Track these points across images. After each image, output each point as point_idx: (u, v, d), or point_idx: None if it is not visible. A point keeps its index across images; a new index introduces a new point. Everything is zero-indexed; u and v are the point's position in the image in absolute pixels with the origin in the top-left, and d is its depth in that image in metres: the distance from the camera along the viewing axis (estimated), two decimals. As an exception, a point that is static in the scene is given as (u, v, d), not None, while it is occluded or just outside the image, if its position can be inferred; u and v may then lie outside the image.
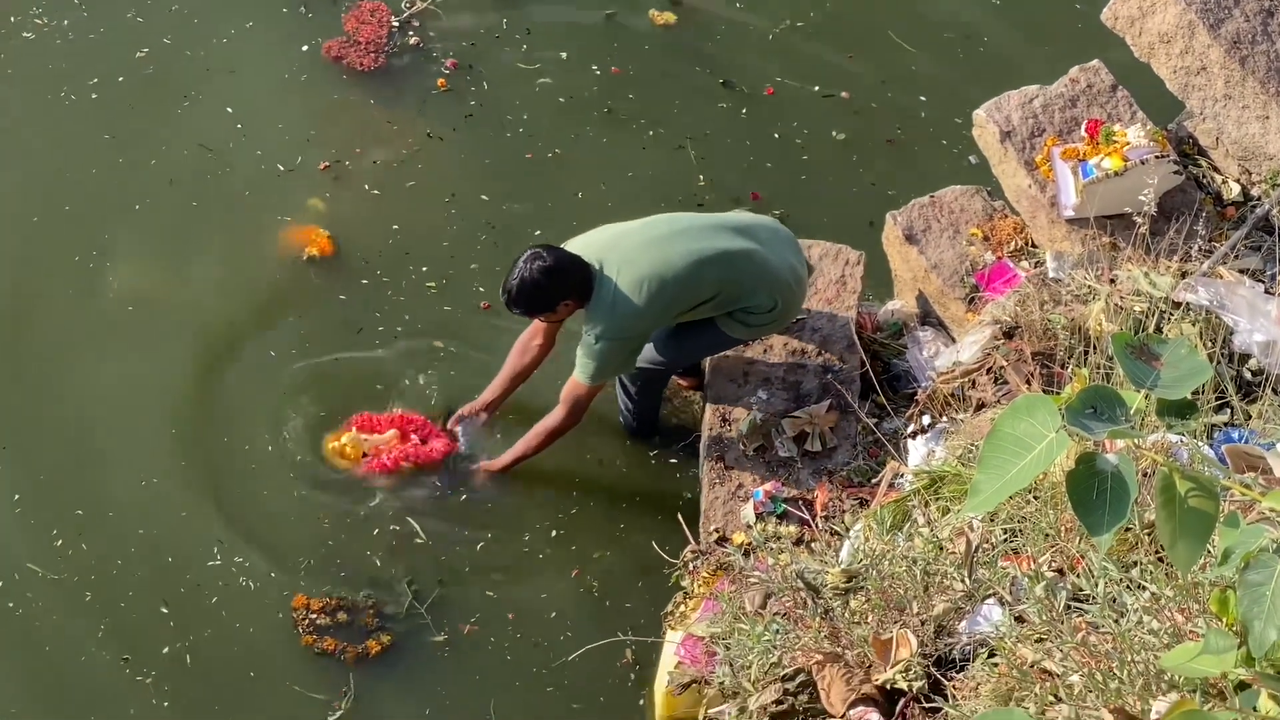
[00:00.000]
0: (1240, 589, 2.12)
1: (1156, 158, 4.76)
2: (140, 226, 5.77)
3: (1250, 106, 4.80)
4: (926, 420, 4.69)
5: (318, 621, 4.81)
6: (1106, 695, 2.75)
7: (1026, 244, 5.13)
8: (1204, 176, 5.09)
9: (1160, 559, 3.14)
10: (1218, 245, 4.77)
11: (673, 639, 4.44)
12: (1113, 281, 4.61)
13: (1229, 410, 4.08)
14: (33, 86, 6.15)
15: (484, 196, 5.95)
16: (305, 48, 6.35)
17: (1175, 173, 4.88)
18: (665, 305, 4.66)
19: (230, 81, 6.23)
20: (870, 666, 3.48)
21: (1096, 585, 3.02)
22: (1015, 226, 5.17)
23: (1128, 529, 3.26)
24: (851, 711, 3.44)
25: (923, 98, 6.44)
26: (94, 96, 6.13)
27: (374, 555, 5.01)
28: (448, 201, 5.93)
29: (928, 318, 5.31)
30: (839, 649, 3.56)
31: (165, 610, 4.87)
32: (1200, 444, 3.68)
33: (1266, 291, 4.54)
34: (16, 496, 5.07)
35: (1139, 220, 4.54)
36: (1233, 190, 5.01)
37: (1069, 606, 3.12)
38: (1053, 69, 5.26)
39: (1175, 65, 4.91)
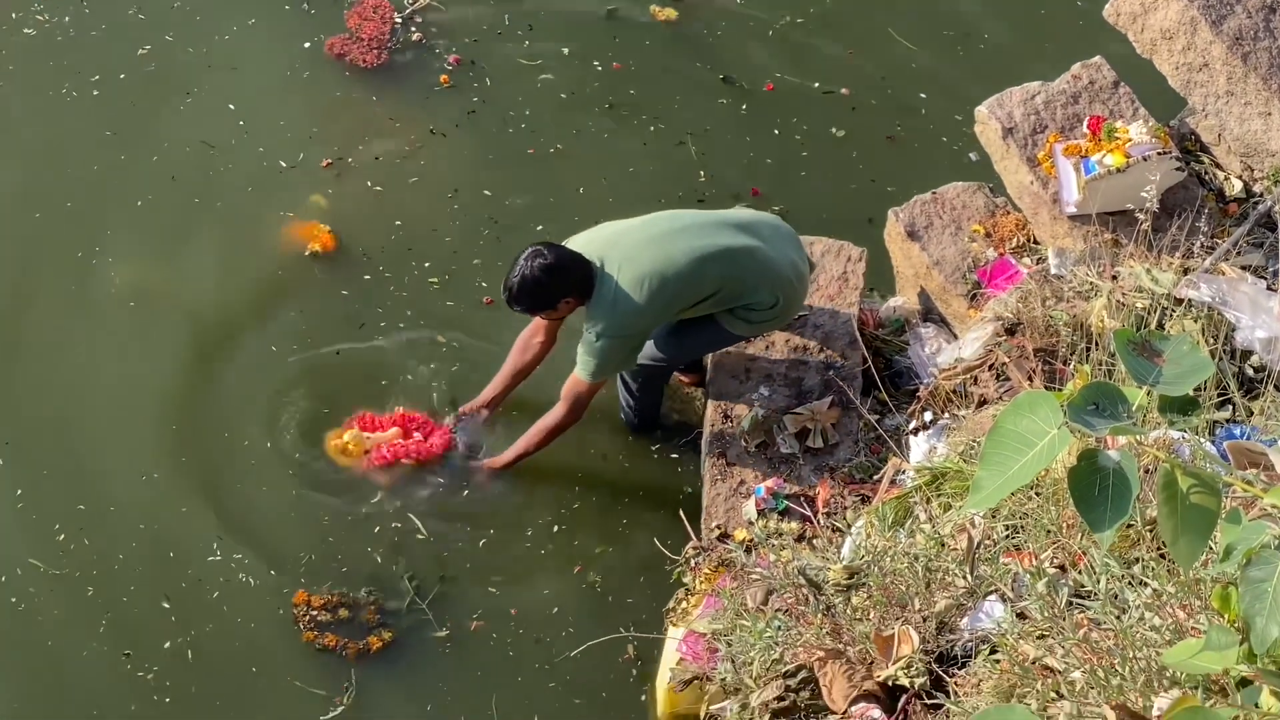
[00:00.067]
0: (1242, 585, 2.12)
1: (1159, 154, 4.76)
2: (142, 223, 5.77)
3: (1252, 103, 4.80)
4: (928, 417, 4.69)
5: (319, 618, 4.81)
6: (1108, 692, 2.75)
7: (1028, 240, 5.13)
8: (1206, 173, 5.09)
9: (1162, 555, 3.14)
10: (1220, 242, 4.77)
11: (674, 635, 4.44)
12: (1115, 278, 4.61)
13: (1231, 407, 4.08)
14: (34, 83, 6.15)
15: (486, 191, 5.95)
16: (307, 44, 6.35)
17: (1177, 169, 4.88)
18: (666, 303, 4.66)
19: (232, 78, 6.23)
20: (872, 663, 3.48)
21: (1098, 582, 3.03)
22: (1017, 223, 5.17)
23: (1129, 525, 3.25)
24: (853, 708, 3.44)
25: (923, 95, 6.44)
26: (95, 93, 6.13)
27: (375, 552, 5.01)
28: (450, 197, 5.93)
29: (930, 314, 5.31)
30: (841, 645, 3.56)
31: (167, 605, 4.87)
32: (1202, 440, 3.68)
33: (1268, 288, 4.54)
34: (19, 491, 5.07)
35: (1141, 217, 4.54)
36: (1235, 187, 5.01)
37: (1071, 603, 3.12)
38: (1054, 66, 5.26)
39: (1177, 62, 4.90)
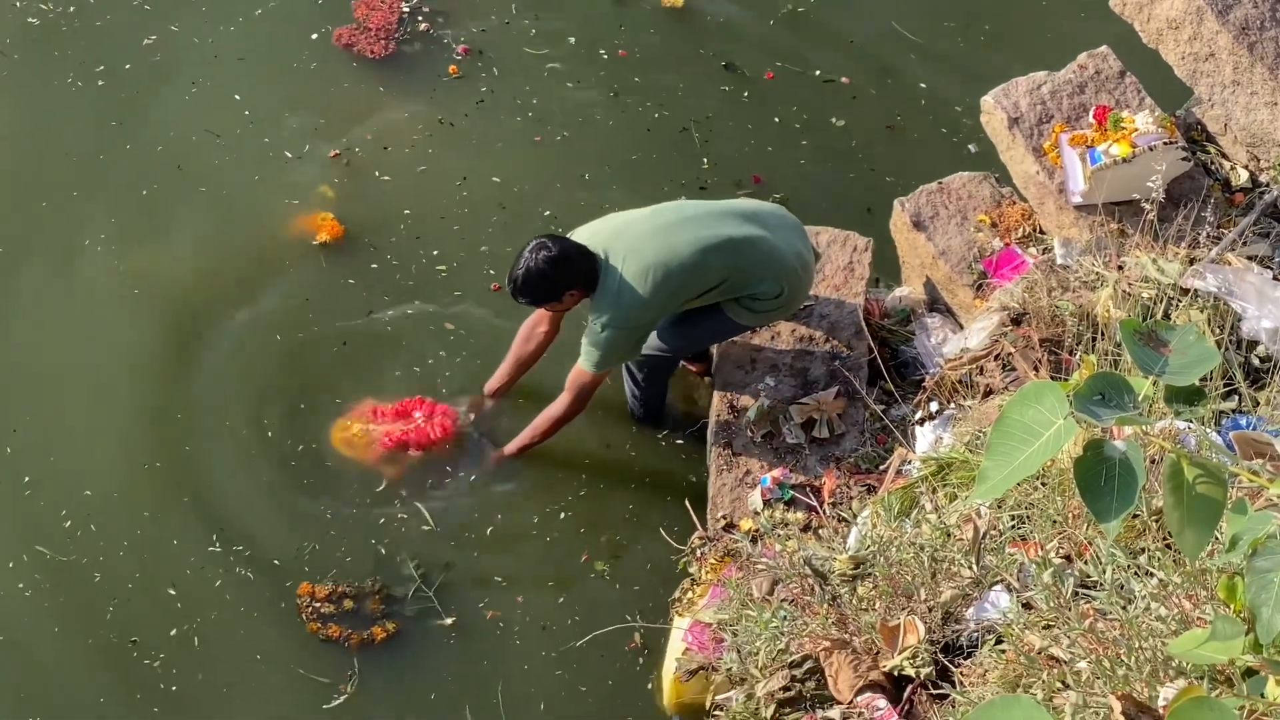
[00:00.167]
0: (1248, 575, 2.12)
1: (1165, 144, 4.75)
2: (147, 211, 5.77)
3: (1259, 92, 4.79)
4: (934, 407, 4.69)
5: (322, 610, 4.82)
6: (1114, 682, 2.75)
7: (1034, 230, 5.12)
8: (1212, 163, 5.08)
9: (1168, 545, 3.14)
10: (1226, 232, 4.76)
11: (680, 625, 4.45)
12: (1121, 268, 4.61)
13: (1237, 397, 4.08)
14: (39, 73, 6.16)
15: (495, 179, 5.96)
16: (315, 35, 6.34)
17: (1183, 159, 4.87)
18: (671, 294, 4.66)
19: (239, 69, 6.23)
20: (878, 653, 3.49)
21: (1104, 572, 3.03)
22: (1023, 213, 5.17)
23: (1135, 515, 3.26)
24: (859, 698, 3.45)
25: (923, 85, 6.43)
26: (100, 83, 6.14)
27: (380, 541, 5.01)
28: (458, 185, 5.93)
29: (935, 304, 5.31)
30: (846, 635, 3.57)
31: (173, 592, 4.88)
32: (1208, 430, 3.68)
33: (1275, 278, 4.53)
34: (26, 479, 5.08)
35: (1147, 206, 4.53)
36: (1241, 176, 5.00)
37: (1076, 593, 3.13)
38: (1059, 56, 5.25)
39: (1183, 51, 4.90)
